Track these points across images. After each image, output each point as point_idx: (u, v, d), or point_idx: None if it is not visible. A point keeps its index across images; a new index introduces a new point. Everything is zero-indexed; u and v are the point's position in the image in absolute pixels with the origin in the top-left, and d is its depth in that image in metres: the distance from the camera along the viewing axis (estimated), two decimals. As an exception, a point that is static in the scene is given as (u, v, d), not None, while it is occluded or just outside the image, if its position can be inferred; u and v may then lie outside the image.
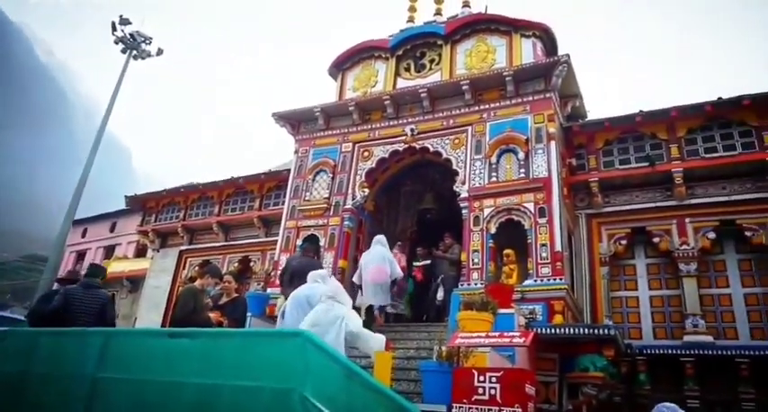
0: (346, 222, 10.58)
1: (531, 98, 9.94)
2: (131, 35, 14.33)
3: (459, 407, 4.53)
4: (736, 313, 8.88)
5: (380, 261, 8.81)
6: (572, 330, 7.49)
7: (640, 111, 9.95)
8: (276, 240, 11.37)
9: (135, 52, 14.46)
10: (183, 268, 14.37)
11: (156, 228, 15.18)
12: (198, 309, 5.68)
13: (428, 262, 10.29)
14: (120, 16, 14.12)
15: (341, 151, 11.30)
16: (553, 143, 9.39)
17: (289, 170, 12.08)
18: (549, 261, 8.55)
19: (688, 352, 8.34)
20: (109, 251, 24.44)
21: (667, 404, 4.02)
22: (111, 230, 25.35)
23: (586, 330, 7.59)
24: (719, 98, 9.44)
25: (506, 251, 8.49)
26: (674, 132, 9.81)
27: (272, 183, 13.50)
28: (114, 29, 14.10)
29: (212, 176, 14.92)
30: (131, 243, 23.12)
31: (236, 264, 13.45)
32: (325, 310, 5.02)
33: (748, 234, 8.95)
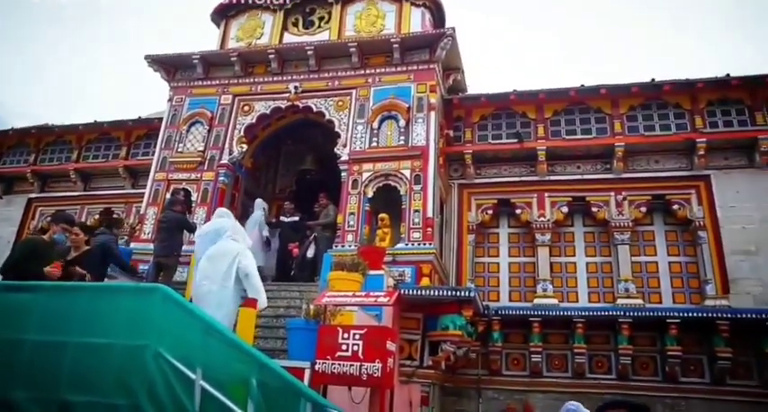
0: (221, 178, 10.16)
1: (415, 67, 10.10)
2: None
3: (323, 363, 4.63)
4: (579, 279, 9.97)
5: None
6: (435, 292, 7.96)
7: (514, 90, 10.55)
8: (143, 193, 10.64)
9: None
10: (32, 218, 12.97)
11: None
12: (30, 260, 4.85)
13: (296, 218, 10.26)
14: None
15: (219, 103, 10.73)
16: (433, 113, 9.68)
17: (161, 119, 11.26)
18: (420, 226, 8.91)
19: (536, 313, 9.25)
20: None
21: (573, 402, 4.50)
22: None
23: (449, 292, 8.09)
24: (582, 85, 10.27)
25: (381, 215, 8.73)
26: (542, 113, 10.55)
27: (142, 131, 12.52)
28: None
29: (76, 120, 13.37)
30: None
31: (96, 217, 12.41)
32: (222, 245, 5.34)
33: (595, 209, 9.99)
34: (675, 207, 9.71)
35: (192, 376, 2.96)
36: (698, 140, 9.64)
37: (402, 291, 7.14)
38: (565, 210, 10.15)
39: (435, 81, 9.97)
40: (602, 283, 9.83)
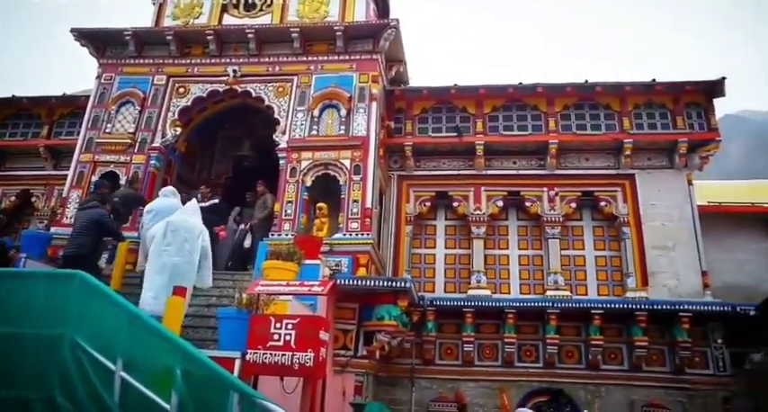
0: (153, 161, 9.71)
1: (358, 57, 10.02)
2: None
3: (254, 353, 4.52)
4: (511, 271, 10.29)
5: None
6: (371, 282, 7.99)
7: (455, 84, 10.69)
8: (67, 174, 10.01)
9: None
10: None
11: None
12: None
13: (215, 201, 9.88)
14: None
15: (152, 83, 10.23)
16: (375, 104, 9.65)
17: (88, 96, 10.62)
18: (359, 217, 8.89)
19: (469, 303, 9.46)
20: None
21: (524, 410, 4.70)
22: None
23: (385, 283, 8.15)
24: (520, 83, 10.54)
25: (320, 204, 8.63)
26: (482, 108, 10.75)
27: (67, 109, 11.77)
28: None
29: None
30: None
31: (12, 199, 11.61)
32: (183, 220, 5.39)
33: (528, 204, 10.32)
34: (603, 203, 10.19)
35: (112, 367, 2.82)
36: (625, 141, 10.13)
37: (338, 281, 7.12)
38: (500, 203, 10.43)
39: (378, 71, 9.94)
40: (533, 276, 10.19)
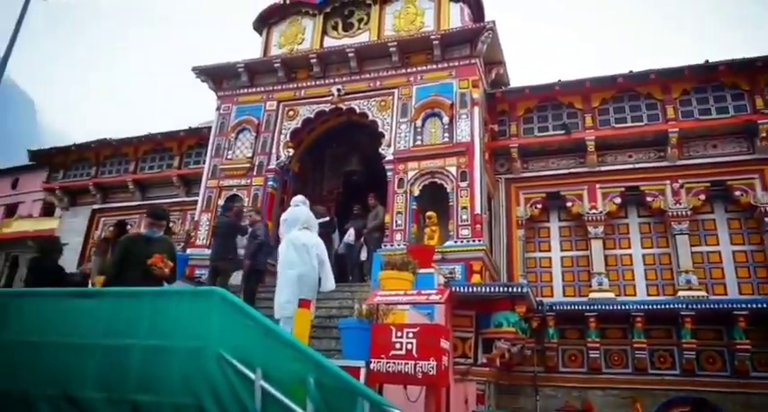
0: (270, 182, 10.39)
1: (456, 63, 10.03)
2: (31, -27, 12.96)
3: (378, 362, 4.65)
4: (636, 271, 9.64)
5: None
6: (487, 289, 7.88)
7: (559, 80, 10.31)
8: (197, 200, 10.99)
9: (36, -7, 13.13)
10: (96, 228, 13.62)
11: (64, 185, 14.20)
12: (121, 260, 4.82)
13: (326, 219, 10.19)
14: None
15: (265, 109, 10.97)
16: (477, 109, 9.57)
17: (210, 128, 11.60)
18: (469, 223, 8.84)
19: (592, 307, 9.01)
20: (11, 209, 22.71)
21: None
22: (14, 187, 23.49)
23: (500, 288, 8.00)
24: (630, 71, 9.93)
25: (429, 213, 8.70)
26: (589, 102, 10.26)
27: (193, 140, 12.94)
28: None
29: (129, 132, 13.98)
30: (37, 201, 21.56)
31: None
32: (301, 235, 5.90)
33: (649, 199, 9.64)
34: (737, 193, 9.25)
35: (252, 376, 3.04)
36: (760, 122, 9.15)
37: (453, 289, 7.10)
38: (618, 200, 9.84)
39: (477, 76, 9.87)
40: (660, 276, 9.48)
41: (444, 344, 4.71)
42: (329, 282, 6.05)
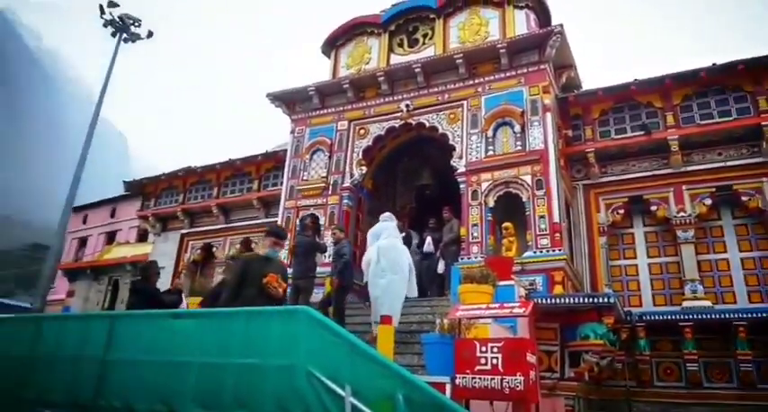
0: (345, 200, 10.61)
1: (525, 70, 9.88)
2: (120, 18, 14.09)
3: (463, 378, 4.61)
4: (734, 277, 8.99)
5: None
6: (571, 299, 7.60)
7: (635, 79, 9.91)
8: (276, 221, 11.40)
9: (125, 35, 14.25)
10: (185, 251, 14.44)
11: (156, 212, 15.20)
12: (241, 279, 4.89)
13: (402, 234, 10.24)
14: (108, -1, 13.88)
15: (337, 129, 11.27)
16: (549, 115, 9.37)
17: (285, 150, 12.06)
18: (547, 232, 8.61)
19: (687, 317, 8.47)
20: (111, 237, 24.51)
21: None
22: (112, 216, 25.37)
23: (586, 299, 7.70)
24: (714, 64, 9.38)
25: (505, 224, 8.55)
26: (670, 100, 9.78)
27: (270, 163, 13.48)
28: (102, 12, 13.87)
29: (210, 159, 14.85)
30: (132, 228, 23.17)
31: (237, 246, 13.51)
32: (392, 242, 6.37)
33: (744, 199, 9.00)
34: None
35: (342, 392, 3.11)
36: None
37: (536, 301, 6.92)
38: (708, 202, 9.26)
39: (547, 81, 9.67)
40: (763, 281, 8.78)
41: (530, 358, 4.60)
42: (414, 289, 6.49)
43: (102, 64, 14.27)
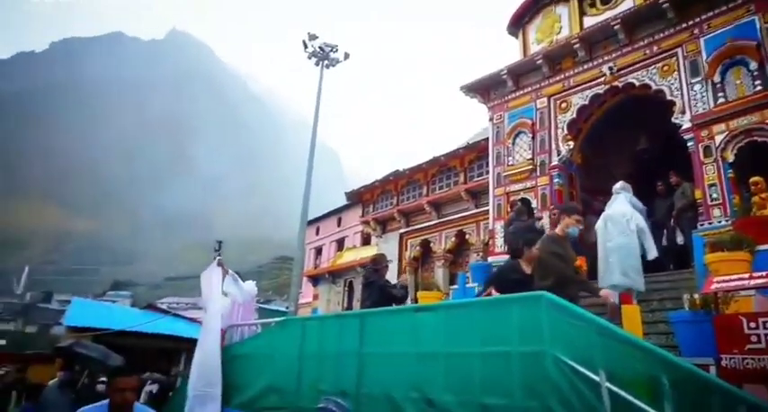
0: (555, 180, 10.19)
1: (754, -6, 8.33)
2: (320, 48, 15.66)
3: (730, 359, 4.09)
4: None
5: None
6: None
7: None
8: (487, 210, 11.46)
9: (326, 62, 15.78)
10: (405, 249, 15.36)
11: (375, 216, 16.47)
12: (562, 262, 4.83)
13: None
14: (309, 33, 15.55)
15: (536, 108, 10.88)
16: (798, 40, 7.77)
17: (486, 139, 12.04)
18: (815, 181, 7.14)
19: None
20: (340, 243, 27.22)
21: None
22: (339, 225, 28.15)
23: None
24: None
25: (753, 179, 7.35)
26: None
27: (472, 154, 13.61)
28: (305, 46, 15.57)
29: (414, 160, 15.60)
30: (357, 233, 25.41)
31: (452, 239, 13.92)
32: (616, 208, 6.20)
33: None
34: None
35: (595, 377, 2.99)
36: None
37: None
38: None
39: (790, -2, 8.01)
40: None
41: (820, 332, 3.88)
42: (652, 249, 6.04)
43: (310, 88, 16.02)
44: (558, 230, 5.21)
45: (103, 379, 11.20)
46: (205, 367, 6.07)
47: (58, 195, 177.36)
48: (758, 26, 8.14)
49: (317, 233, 29.52)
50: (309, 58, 15.74)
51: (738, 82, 8.23)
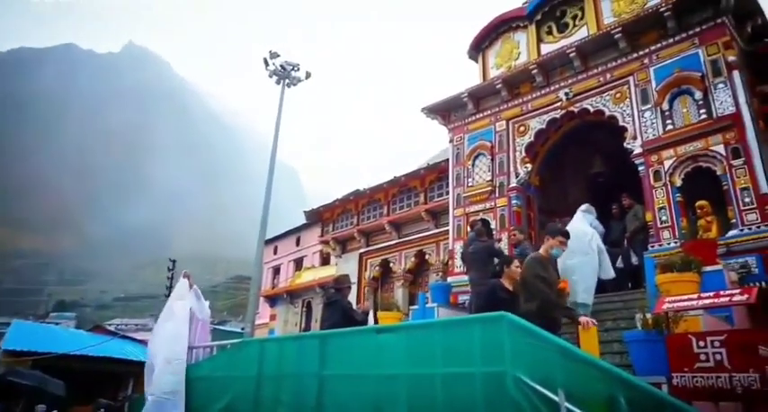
0: (514, 201, 10.39)
1: (697, 29, 8.80)
2: (282, 66, 15.60)
3: (681, 377, 4.20)
4: None
5: None
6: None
7: None
8: (447, 230, 11.56)
9: (288, 81, 15.71)
10: (365, 269, 15.29)
11: (334, 236, 16.37)
12: (546, 286, 4.92)
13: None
14: (270, 51, 15.47)
15: (495, 131, 11.13)
16: (736, 73, 8.24)
17: (447, 160, 12.21)
18: (754, 206, 7.54)
19: None
20: (298, 263, 26.88)
21: None
22: (297, 244, 27.82)
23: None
24: None
25: (699, 203, 7.72)
26: None
27: (433, 175, 13.75)
28: (267, 64, 15.48)
29: (374, 179, 15.68)
30: (316, 253, 25.16)
31: (412, 259, 13.96)
32: (576, 227, 6.64)
33: None
34: None
35: (555, 398, 3.02)
36: None
37: (759, 285, 6.08)
38: None
39: (728, 36, 8.51)
40: None
41: (764, 351, 4.03)
42: (609, 270, 6.54)
43: (272, 106, 15.92)
44: (542, 251, 5.32)
45: (42, 406, 10.55)
46: (168, 369, 5.92)
47: (3, 212, 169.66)
48: (702, 59, 8.59)
49: (275, 252, 29.10)
50: (270, 76, 15.65)
51: (685, 110, 8.64)
